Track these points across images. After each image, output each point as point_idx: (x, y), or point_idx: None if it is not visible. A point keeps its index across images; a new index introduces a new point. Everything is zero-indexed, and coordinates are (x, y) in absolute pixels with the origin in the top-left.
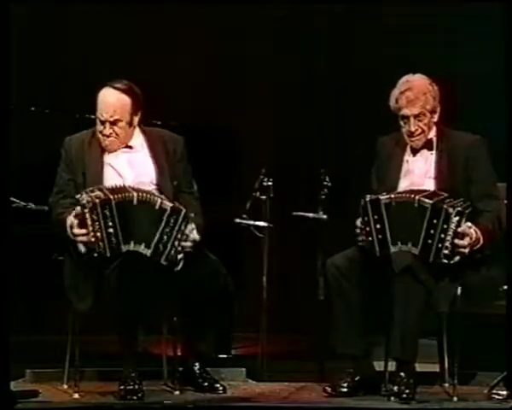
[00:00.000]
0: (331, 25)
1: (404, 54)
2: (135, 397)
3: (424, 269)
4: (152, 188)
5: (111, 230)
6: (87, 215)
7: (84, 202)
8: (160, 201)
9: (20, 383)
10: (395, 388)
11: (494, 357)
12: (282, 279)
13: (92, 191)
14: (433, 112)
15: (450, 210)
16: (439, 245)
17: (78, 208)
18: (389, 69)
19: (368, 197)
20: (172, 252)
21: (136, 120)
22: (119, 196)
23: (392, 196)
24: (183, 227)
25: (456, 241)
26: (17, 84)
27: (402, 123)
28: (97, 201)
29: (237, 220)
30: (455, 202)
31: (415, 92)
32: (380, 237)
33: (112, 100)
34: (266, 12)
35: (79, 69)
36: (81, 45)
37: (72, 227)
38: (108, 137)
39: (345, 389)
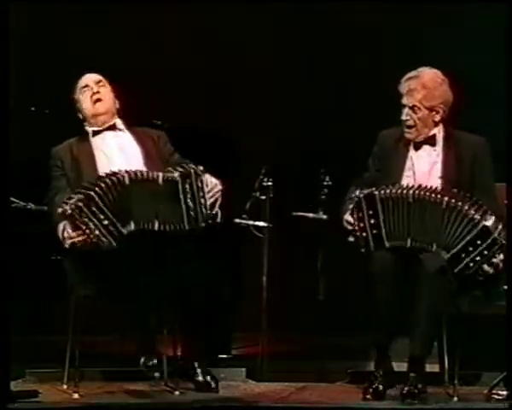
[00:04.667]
0: (331, 23)
1: (404, 53)
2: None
3: (448, 269)
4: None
5: (106, 221)
6: (77, 221)
7: (69, 210)
8: (162, 175)
9: (20, 384)
10: (406, 388)
11: (494, 357)
12: (282, 279)
13: (70, 198)
14: (432, 110)
15: (498, 241)
16: (471, 264)
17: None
18: (390, 69)
19: (360, 193)
20: (205, 211)
21: (116, 100)
22: (103, 184)
23: (415, 191)
24: (199, 184)
25: (486, 268)
26: (17, 85)
27: (402, 111)
28: (80, 204)
29: (237, 220)
30: (500, 226)
31: (416, 83)
32: (374, 232)
33: (93, 73)
34: (266, 11)
35: (79, 69)
36: (81, 45)
37: (65, 238)
38: (96, 94)
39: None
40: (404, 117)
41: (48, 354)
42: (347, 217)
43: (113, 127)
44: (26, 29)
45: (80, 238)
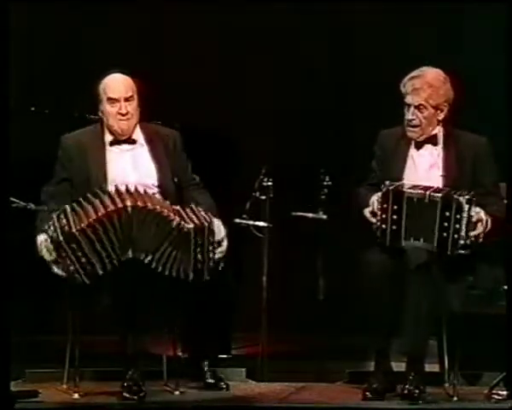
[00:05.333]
0: (331, 24)
1: (404, 53)
2: (136, 398)
3: (438, 267)
4: (154, 190)
5: (83, 259)
6: (62, 253)
7: (46, 248)
8: (177, 223)
9: (19, 384)
10: (406, 387)
11: (494, 357)
12: (282, 279)
13: (54, 228)
14: (437, 108)
15: (461, 199)
16: (455, 236)
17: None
18: (390, 69)
19: (390, 184)
20: (211, 264)
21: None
22: (93, 221)
23: (413, 190)
24: (211, 239)
25: (472, 233)
26: (17, 85)
27: (405, 110)
28: (61, 238)
29: (237, 220)
30: (461, 191)
31: (421, 82)
32: (394, 228)
33: (122, 79)
34: (266, 11)
35: (79, 69)
36: (81, 45)
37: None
38: (124, 116)
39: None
40: (409, 116)
41: (48, 354)
42: (374, 207)
43: (131, 141)
44: (26, 29)
45: (58, 272)
